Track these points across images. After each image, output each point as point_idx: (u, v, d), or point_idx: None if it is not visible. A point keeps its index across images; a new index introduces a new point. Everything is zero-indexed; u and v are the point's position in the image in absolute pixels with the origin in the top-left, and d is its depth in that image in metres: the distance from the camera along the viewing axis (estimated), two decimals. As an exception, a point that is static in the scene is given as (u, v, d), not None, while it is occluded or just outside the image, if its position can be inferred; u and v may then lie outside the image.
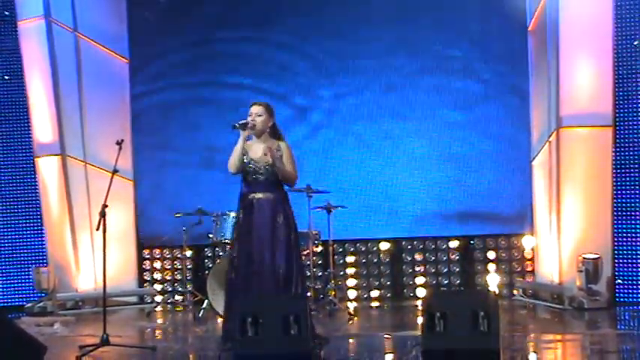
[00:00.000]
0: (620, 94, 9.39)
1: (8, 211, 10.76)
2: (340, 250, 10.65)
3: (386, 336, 7.75)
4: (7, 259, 10.72)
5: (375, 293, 10.65)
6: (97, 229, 7.14)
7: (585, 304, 8.94)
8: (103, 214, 7.13)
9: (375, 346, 7.53)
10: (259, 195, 6.93)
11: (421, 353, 6.07)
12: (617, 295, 9.34)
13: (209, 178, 10.55)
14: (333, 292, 9.46)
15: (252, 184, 6.95)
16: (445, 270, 10.58)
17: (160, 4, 10.85)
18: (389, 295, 10.63)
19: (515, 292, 10.22)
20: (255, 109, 7.00)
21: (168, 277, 11.08)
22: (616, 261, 9.33)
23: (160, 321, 9.60)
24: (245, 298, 6.59)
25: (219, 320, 8.75)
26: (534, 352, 6.96)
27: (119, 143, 7.44)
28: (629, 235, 9.37)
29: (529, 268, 10.33)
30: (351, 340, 7.87)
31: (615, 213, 9.32)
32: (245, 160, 6.92)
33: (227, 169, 6.96)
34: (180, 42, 10.87)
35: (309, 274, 9.69)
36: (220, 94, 10.75)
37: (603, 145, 9.29)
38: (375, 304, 10.33)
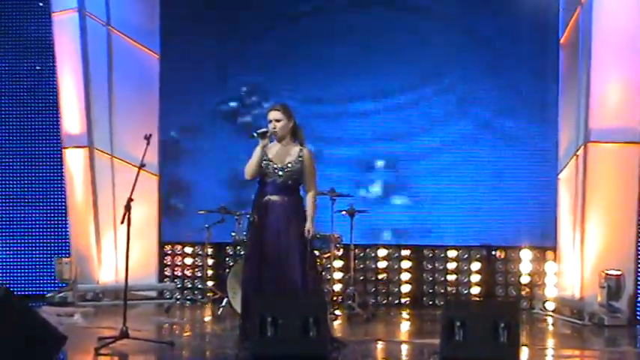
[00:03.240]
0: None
1: (34, 200, 10.83)
2: (361, 254, 10.63)
3: (404, 342, 7.74)
4: (30, 249, 10.79)
5: (394, 299, 10.62)
6: (122, 223, 7.18)
7: (606, 320, 8.87)
8: (128, 208, 7.17)
9: (392, 353, 7.52)
10: (275, 197, 6.94)
11: (439, 361, 6.06)
12: (638, 313, 9.25)
13: (234, 177, 10.56)
14: (353, 297, 9.45)
15: (269, 185, 6.95)
16: (466, 280, 10.54)
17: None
18: (408, 301, 10.60)
19: (535, 305, 10.16)
20: (274, 115, 7.00)
21: (188, 274, 11.10)
22: (638, 279, 9.25)
23: (178, 317, 9.63)
24: (265, 297, 6.60)
25: (238, 319, 8.79)
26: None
27: (147, 138, 7.49)
28: (653, 253, 9.30)
29: (551, 282, 10.26)
30: (369, 346, 7.86)
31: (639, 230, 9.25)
32: (264, 161, 6.93)
33: (244, 173, 6.98)
34: (211, 39, 10.87)
35: (329, 277, 9.70)
36: (249, 93, 10.75)
37: (630, 161, 9.22)
38: (394, 310, 10.30)
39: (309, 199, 7.03)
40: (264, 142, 6.95)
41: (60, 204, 10.73)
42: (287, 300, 6.53)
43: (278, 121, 6.99)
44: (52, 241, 10.80)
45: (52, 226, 10.82)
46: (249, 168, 6.97)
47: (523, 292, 10.38)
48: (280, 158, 6.97)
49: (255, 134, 6.95)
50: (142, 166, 7.49)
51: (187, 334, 8.49)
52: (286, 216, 6.91)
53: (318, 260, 8.79)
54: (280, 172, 6.93)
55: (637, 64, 9.17)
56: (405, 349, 7.73)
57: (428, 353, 7.10)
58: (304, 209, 7.01)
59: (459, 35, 10.50)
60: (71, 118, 10.46)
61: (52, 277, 10.50)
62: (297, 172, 6.96)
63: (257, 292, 6.76)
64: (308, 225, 6.94)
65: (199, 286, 10.82)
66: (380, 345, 7.81)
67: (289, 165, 6.94)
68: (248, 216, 9.06)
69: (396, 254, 10.68)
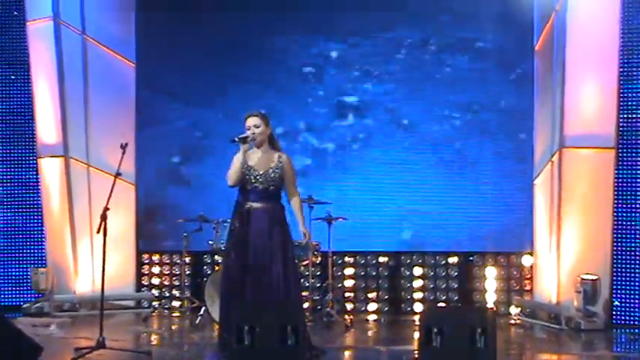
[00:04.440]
0: (623, 116, 9.41)
1: (9, 210, 10.76)
2: (339, 261, 10.63)
3: (382, 349, 7.75)
4: (5, 259, 10.71)
5: (372, 306, 10.63)
6: (98, 232, 7.15)
7: (582, 325, 8.94)
8: (104, 217, 7.14)
9: (370, 359, 7.53)
10: (256, 204, 6.93)
11: (417, 368, 6.08)
12: (614, 317, 9.32)
13: (212, 185, 10.55)
14: (331, 304, 9.45)
15: (250, 192, 6.94)
16: (443, 286, 10.57)
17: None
18: (386, 308, 10.61)
19: (512, 310, 10.21)
20: (252, 121, 7.00)
21: (166, 283, 11.06)
22: (614, 283, 9.32)
23: (156, 326, 9.60)
24: (243, 306, 6.59)
25: (216, 327, 8.77)
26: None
27: (123, 147, 7.47)
28: (628, 257, 9.37)
29: (527, 287, 10.32)
30: (347, 353, 7.87)
31: (615, 235, 9.32)
32: (245, 169, 6.93)
33: (226, 180, 6.96)
34: (187, 46, 10.86)
35: (307, 285, 9.70)
36: (227, 100, 10.75)
37: (605, 166, 9.30)
38: (372, 317, 10.30)
39: (295, 204, 7.03)
40: (244, 147, 6.95)
41: (36, 214, 10.65)
42: (265, 308, 6.51)
43: (257, 127, 6.99)
44: (28, 251, 10.72)
45: (28, 236, 10.74)
46: (232, 174, 6.95)
47: (500, 298, 10.42)
48: (261, 165, 6.96)
49: (236, 139, 6.94)
50: (118, 174, 7.47)
51: (165, 343, 8.46)
52: (268, 223, 6.90)
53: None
54: (261, 179, 6.93)
55: (611, 70, 9.26)
56: (383, 356, 7.74)
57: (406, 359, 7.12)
58: (285, 216, 7.00)
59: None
60: (47, 127, 10.40)
61: (28, 288, 10.42)
62: (278, 179, 6.97)
63: (237, 301, 6.75)
64: (303, 229, 6.96)
65: (177, 295, 10.79)
66: (358, 352, 7.82)
67: (270, 171, 6.94)
68: (227, 224, 9.10)
69: (374, 261, 10.70)
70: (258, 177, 6.93)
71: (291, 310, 6.47)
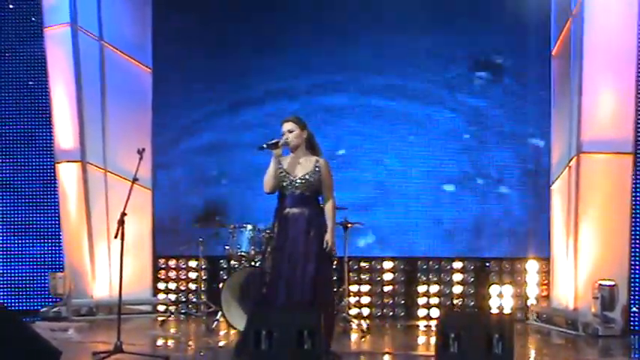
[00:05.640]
0: (641, 120, 9.38)
1: (27, 214, 10.81)
2: (355, 267, 10.63)
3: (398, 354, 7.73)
4: (23, 263, 10.77)
5: (388, 312, 10.62)
6: (115, 237, 7.19)
7: (600, 331, 8.90)
8: (121, 222, 7.17)
9: (387, 365, 7.52)
10: (294, 210, 6.93)
11: (434, 373, 6.06)
12: (631, 323, 9.28)
13: (227, 190, 10.58)
14: (347, 309, 9.44)
15: (287, 198, 6.96)
16: (459, 291, 10.54)
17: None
18: (402, 314, 10.60)
19: (529, 316, 10.17)
20: (286, 126, 7.01)
21: (182, 288, 11.09)
22: (632, 289, 9.28)
23: (172, 331, 9.61)
24: (260, 311, 6.60)
25: (232, 332, 8.78)
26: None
27: (140, 152, 7.50)
28: (646, 263, 9.33)
29: (544, 293, 10.29)
30: (363, 358, 7.86)
31: (633, 241, 9.27)
32: (281, 175, 6.94)
33: (263, 186, 6.99)
34: (203, 52, 10.90)
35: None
36: (243, 105, 10.76)
37: (623, 172, 9.25)
38: (388, 322, 10.29)
39: (327, 211, 7.00)
40: (277, 152, 6.96)
41: (53, 218, 10.70)
42: (282, 313, 6.52)
43: (291, 131, 6.99)
44: (46, 255, 10.77)
45: (46, 240, 10.79)
46: (267, 181, 6.98)
47: (517, 303, 10.39)
48: (296, 169, 6.96)
49: (264, 145, 6.94)
50: (135, 180, 7.50)
51: (181, 348, 8.47)
52: (305, 227, 6.90)
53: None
54: (297, 184, 6.93)
55: (629, 75, 9.22)
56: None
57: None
58: (324, 220, 6.98)
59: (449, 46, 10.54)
60: (64, 132, 10.46)
61: (46, 292, 10.47)
62: (314, 184, 6.96)
63: (272, 306, 6.75)
64: (327, 237, 6.93)
65: (194, 299, 10.81)
66: (374, 357, 7.81)
67: (306, 176, 6.94)
68: (243, 228, 9.12)
69: (390, 266, 10.68)
70: (294, 182, 6.93)
71: (309, 314, 6.47)
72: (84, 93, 10.41)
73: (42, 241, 10.80)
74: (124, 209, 7.23)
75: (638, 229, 9.31)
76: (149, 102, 10.96)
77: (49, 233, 10.77)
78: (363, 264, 10.71)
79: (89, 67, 10.47)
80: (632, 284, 9.27)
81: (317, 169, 6.95)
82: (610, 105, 9.24)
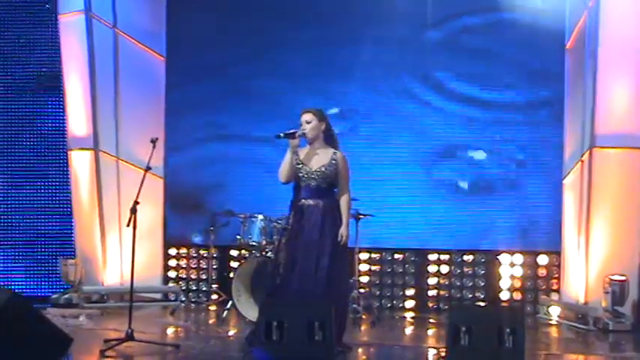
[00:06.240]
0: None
1: (39, 201, 10.84)
2: (366, 258, 10.62)
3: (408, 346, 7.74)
4: (35, 250, 10.81)
5: (399, 303, 10.62)
6: (128, 225, 7.21)
7: (610, 325, 8.88)
8: (134, 211, 7.19)
9: (397, 357, 7.53)
10: (310, 201, 6.97)
11: (444, 366, 6.07)
12: (642, 318, 9.27)
13: (240, 180, 10.58)
14: (358, 300, 9.45)
15: (304, 190, 6.97)
16: (470, 284, 10.53)
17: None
18: (412, 305, 10.60)
19: (539, 309, 10.16)
20: (305, 117, 7.03)
21: (193, 276, 11.11)
22: (643, 284, 9.26)
23: (183, 319, 9.64)
24: (271, 301, 6.62)
25: (243, 322, 8.80)
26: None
27: (153, 141, 7.53)
28: (657, 258, 9.29)
29: (555, 287, 10.26)
30: (372, 349, 7.87)
31: (644, 236, 9.26)
32: (297, 166, 6.94)
33: (278, 177, 7.01)
34: (217, 41, 10.88)
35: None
36: (256, 96, 10.74)
37: (636, 166, 9.22)
38: (398, 314, 10.29)
39: (343, 204, 7.01)
40: (293, 143, 6.96)
41: (65, 205, 10.73)
42: (293, 304, 6.54)
43: (309, 122, 7.01)
44: (57, 242, 10.80)
45: (57, 227, 10.82)
46: (282, 171, 7.02)
47: (527, 297, 10.37)
48: (312, 161, 6.98)
49: (281, 134, 6.96)
50: (148, 169, 7.52)
51: (192, 336, 8.50)
52: (321, 219, 6.93)
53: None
54: (313, 176, 6.94)
55: (644, 69, 9.18)
56: (409, 353, 7.73)
57: (433, 358, 7.11)
58: (339, 212, 6.99)
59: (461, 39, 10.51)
60: (77, 120, 10.48)
61: (58, 279, 10.51)
62: (331, 176, 6.96)
63: (286, 297, 6.77)
64: (342, 230, 6.94)
65: (204, 288, 10.84)
66: (384, 349, 7.82)
67: (322, 168, 6.94)
68: (254, 218, 9.13)
69: (401, 257, 10.67)
70: (310, 173, 6.95)
71: (319, 305, 6.48)
72: (97, 81, 10.41)
73: (53, 227, 10.81)
74: (137, 198, 7.25)
75: (650, 224, 9.28)
76: (162, 90, 10.96)
77: (61, 220, 10.76)
78: (373, 255, 10.69)
79: (103, 55, 10.48)
80: (644, 279, 9.26)
81: (334, 161, 6.96)
82: (624, 99, 9.20)
